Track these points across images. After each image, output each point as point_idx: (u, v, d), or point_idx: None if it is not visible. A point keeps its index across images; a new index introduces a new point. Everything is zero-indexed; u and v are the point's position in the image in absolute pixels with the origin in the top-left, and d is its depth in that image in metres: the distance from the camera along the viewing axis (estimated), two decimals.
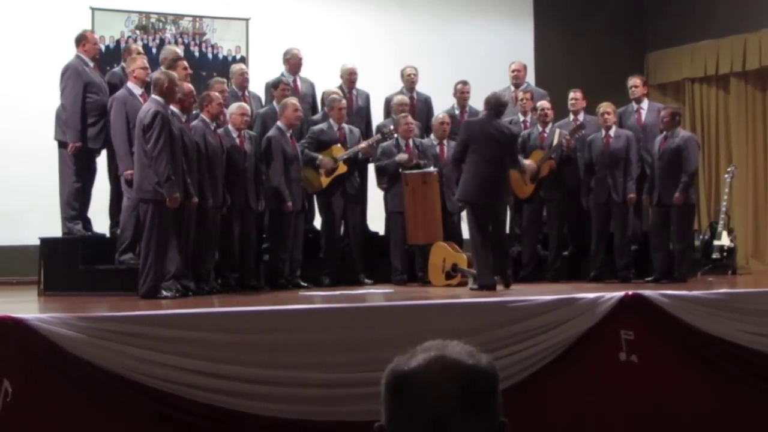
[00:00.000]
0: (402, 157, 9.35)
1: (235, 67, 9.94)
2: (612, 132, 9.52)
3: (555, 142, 9.57)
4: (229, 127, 8.49)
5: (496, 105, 8.53)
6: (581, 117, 10.10)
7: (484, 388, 1.82)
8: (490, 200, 8.32)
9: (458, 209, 9.35)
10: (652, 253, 9.28)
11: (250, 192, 8.49)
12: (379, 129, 9.88)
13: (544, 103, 9.92)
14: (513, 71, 10.73)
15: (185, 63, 8.94)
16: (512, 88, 10.68)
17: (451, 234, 9.39)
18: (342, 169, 9.30)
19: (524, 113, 10.29)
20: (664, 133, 9.24)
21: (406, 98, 10.11)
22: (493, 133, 8.33)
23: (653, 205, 9.32)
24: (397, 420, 1.82)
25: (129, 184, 8.02)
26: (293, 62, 9.97)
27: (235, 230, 8.36)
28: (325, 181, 9.28)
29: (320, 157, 9.22)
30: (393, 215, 9.52)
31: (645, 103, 10.18)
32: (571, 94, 10.17)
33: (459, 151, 8.40)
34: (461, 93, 10.36)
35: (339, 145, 9.35)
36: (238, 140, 8.49)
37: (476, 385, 1.81)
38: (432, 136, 9.89)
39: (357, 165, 9.53)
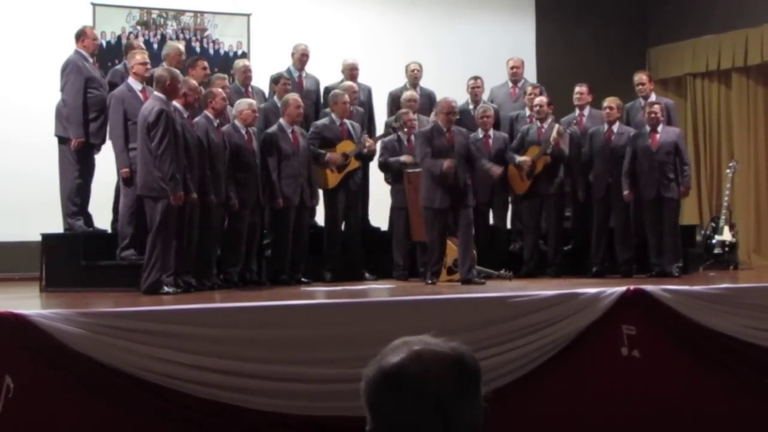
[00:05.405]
0: (406, 158, 9.35)
1: (239, 63, 9.87)
2: (615, 128, 9.47)
3: (552, 138, 9.53)
4: (237, 123, 8.46)
5: (449, 112, 8.59)
6: (587, 112, 10.04)
7: (473, 373, 1.87)
8: (452, 206, 8.48)
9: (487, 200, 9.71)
10: (650, 249, 9.24)
11: (260, 188, 8.51)
12: (389, 125, 9.85)
13: (541, 99, 9.88)
14: (512, 68, 10.67)
15: (205, 63, 8.95)
16: (510, 84, 10.67)
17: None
18: (354, 164, 9.26)
19: (531, 108, 10.25)
20: (649, 128, 9.21)
21: (416, 94, 10.07)
22: (456, 139, 8.59)
23: (648, 200, 9.22)
24: (397, 415, 1.82)
25: (125, 182, 8.01)
26: (300, 58, 9.94)
27: (244, 226, 8.36)
28: (333, 177, 9.22)
29: (327, 154, 9.19)
30: (396, 211, 9.50)
31: (653, 99, 10.09)
32: (577, 89, 10.08)
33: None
34: (473, 88, 10.28)
35: (348, 140, 9.31)
36: (246, 136, 8.48)
37: (466, 370, 1.86)
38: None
39: (360, 160, 9.49)
